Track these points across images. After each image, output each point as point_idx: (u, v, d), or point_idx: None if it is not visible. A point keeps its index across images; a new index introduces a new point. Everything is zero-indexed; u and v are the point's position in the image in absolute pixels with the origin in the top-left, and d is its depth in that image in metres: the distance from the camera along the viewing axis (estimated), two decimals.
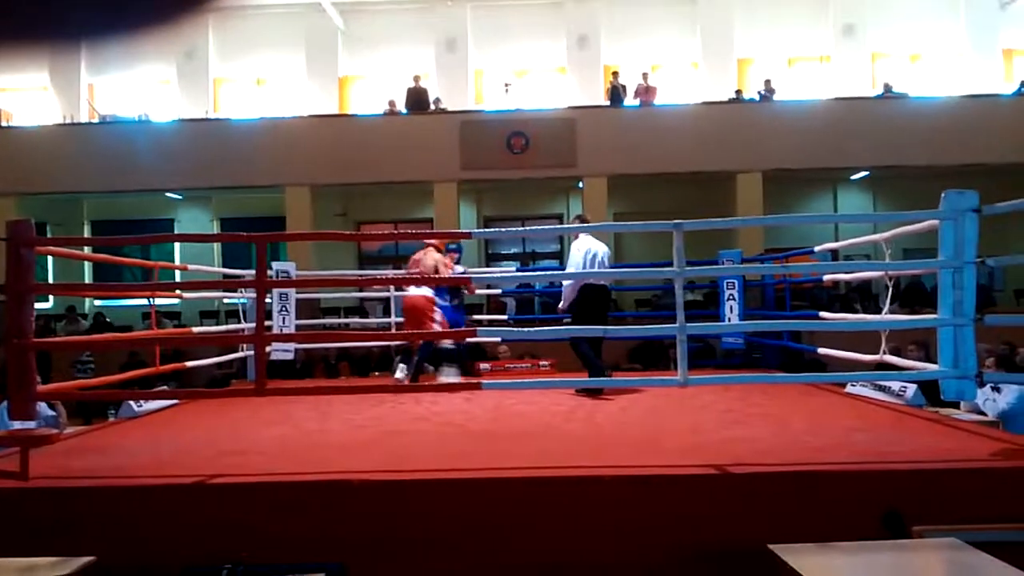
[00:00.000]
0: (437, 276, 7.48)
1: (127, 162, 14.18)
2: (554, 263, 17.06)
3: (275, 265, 8.62)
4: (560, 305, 7.06)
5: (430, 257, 7.65)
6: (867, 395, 6.13)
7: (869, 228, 11.95)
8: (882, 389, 5.98)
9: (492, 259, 16.97)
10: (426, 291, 7.57)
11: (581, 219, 7.32)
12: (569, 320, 7.02)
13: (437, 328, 7.45)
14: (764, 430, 4.92)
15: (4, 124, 15.38)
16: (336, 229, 14.79)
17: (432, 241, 7.86)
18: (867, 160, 14.28)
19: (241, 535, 3.55)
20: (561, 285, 11.14)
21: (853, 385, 6.34)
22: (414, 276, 7.65)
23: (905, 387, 5.78)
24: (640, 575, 3.56)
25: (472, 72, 16.85)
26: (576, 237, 7.10)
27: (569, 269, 6.78)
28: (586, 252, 6.84)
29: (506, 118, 14.40)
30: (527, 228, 6.45)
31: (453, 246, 8.14)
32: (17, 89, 17.14)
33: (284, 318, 8.26)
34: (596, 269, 6.82)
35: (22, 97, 17.07)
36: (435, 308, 7.59)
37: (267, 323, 7.68)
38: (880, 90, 15.20)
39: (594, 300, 6.79)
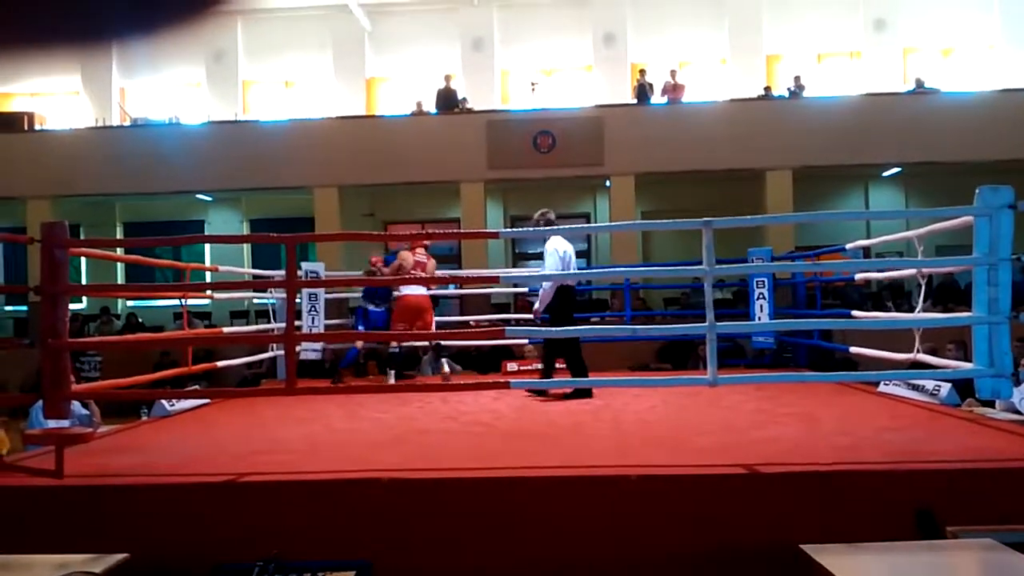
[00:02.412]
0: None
1: (158, 164, 14.33)
2: (581, 262, 17.01)
3: (304, 265, 8.69)
4: (536, 307, 6.79)
5: (431, 262, 7.85)
6: (900, 394, 6.05)
7: (901, 225, 11.77)
8: (916, 388, 5.90)
9: (519, 259, 16.96)
10: (425, 291, 7.81)
11: (546, 218, 6.90)
12: (547, 321, 6.91)
13: (434, 327, 7.67)
14: (795, 429, 4.87)
15: (38, 128, 15.61)
16: (364, 229, 14.86)
17: (424, 242, 7.97)
18: (899, 156, 14.08)
19: (272, 533, 3.58)
20: (589, 284, 11.11)
21: (886, 384, 6.27)
22: (444, 276, 7.74)
23: (939, 386, 5.70)
24: (669, 575, 3.55)
25: (498, 72, 16.84)
26: (547, 238, 6.84)
27: (550, 271, 6.61)
28: (564, 254, 6.68)
29: (533, 117, 14.37)
30: (554, 227, 6.38)
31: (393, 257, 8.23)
32: (50, 93, 17.40)
33: (314, 318, 8.32)
34: (572, 270, 6.88)
35: (55, 101, 17.32)
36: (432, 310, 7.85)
37: (297, 323, 7.75)
38: (912, 85, 14.98)
39: (572, 300, 6.83)
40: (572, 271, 6.73)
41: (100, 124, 16.01)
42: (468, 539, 3.60)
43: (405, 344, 8.51)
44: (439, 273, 8.01)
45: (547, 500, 3.65)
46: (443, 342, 8.31)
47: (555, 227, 6.48)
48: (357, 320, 8.45)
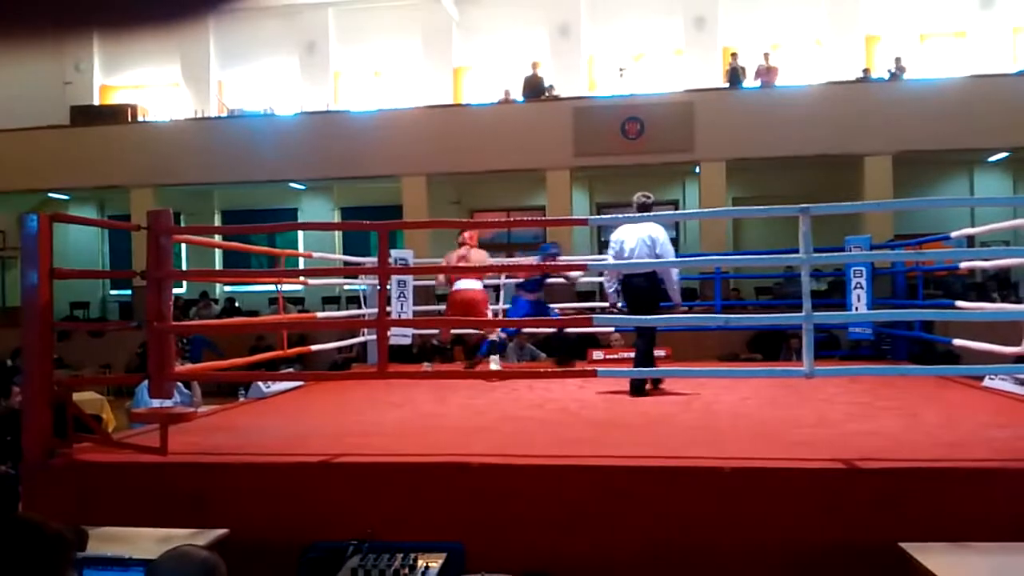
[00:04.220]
0: (552, 263, 7.49)
1: (254, 154, 14.77)
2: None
3: (393, 253, 8.81)
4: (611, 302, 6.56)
5: (476, 253, 7.51)
6: (1007, 390, 5.77)
7: (1009, 213, 11.23)
8: None
9: (605, 246, 16.84)
10: (479, 284, 7.51)
11: (638, 202, 6.47)
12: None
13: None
14: (894, 424, 4.72)
15: (140, 119, 16.25)
16: (450, 217, 15.01)
17: (464, 236, 7.59)
18: (1006, 140, 13.42)
19: (364, 513, 3.66)
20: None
21: (991, 379, 5.98)
22: (523, 264, 7.67)
23: None
24: (761, 569, 3.48)
25: (585, 57, 16.71)
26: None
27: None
28: (617, 243, 6.36)
29: (620, 103, 14.23)
30: (641, 215, 6.29)
31: (554, 250, 8.01)
32: (152, 85, 18.08)
33: (402, 304, 8.44)
34: (630, 259, 6.26)
35: (157, 93, 17.97)
36: (487, 302, 7.61)
37: (387, 309, 7.86)
38: (1021, 66, 14.23)
39: (633, 293, 6.28)
40: (631, 261, 6.23)
41: (199, 115, 16.56)
42: (556, 524, 3.61)
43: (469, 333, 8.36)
44: (513, 261, 7.89)
45: (636, 489, 3.63)
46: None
47: (635, 215, 6.24)
48: (512, 308, 8.26)
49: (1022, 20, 15.57)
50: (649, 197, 6.54)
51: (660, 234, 6.29)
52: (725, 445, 4.18)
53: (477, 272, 7.46)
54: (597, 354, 8.61)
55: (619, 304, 6.48)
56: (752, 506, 3.52)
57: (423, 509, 3.69)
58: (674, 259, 6.45)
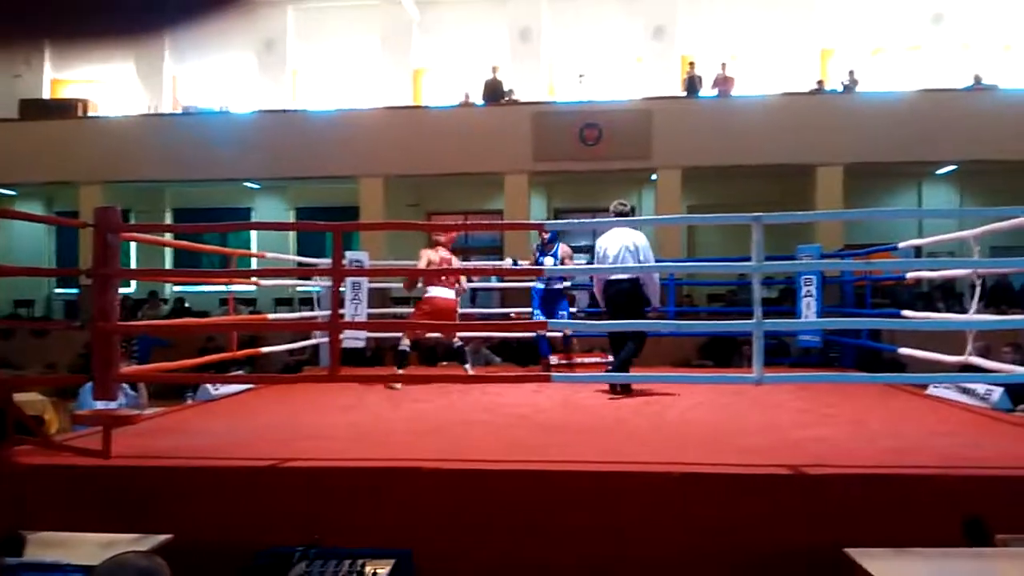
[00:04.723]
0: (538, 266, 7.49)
1: (208, 152, 14.55)
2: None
3: (348, 254, 8.72)
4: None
5: (454, 258, 7.50)
6: (950, 397, 5.91)
7: (955, 225, 11.49)
8: (966, 392, 5.75)
9: None
10: (452, 293, 7.41)
11: (615, 210, 6.61)
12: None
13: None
14: (841, 431, 4.79)
15: (91, 114, 15.90)
16: (407, 219, 14.92)
17: (441, 238, 7.46)
18: (954, 154, 13.74)
19: (313, 518, 3.61)
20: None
21: (935, 387, 6.12)
22: (487, 268, 7.64)
23: (991, 390, 5.55)
24: (709, 574, 3.51)
25: (546, 63, 16.75)
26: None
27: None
28: (600, 251, 6.55)
29: (579, 109, 14.29)
30: (599, 220, 6.30)
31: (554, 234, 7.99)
32: (104, 81, 17.68)
33: (356, 306, 8.36)
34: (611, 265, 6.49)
35: (109, 88, 17.58)
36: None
37: (339, 311, 7.78)
38: (970, 81, 14.58)
39: (608, 297, 6.50)
40: (610, 266, 6.45)
41: (152, 111, 16.27)
42: (508, 530, 3.60)
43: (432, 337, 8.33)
44: (480, 265, 7.88)
45: (589, 494, 3.63)
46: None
47: (596, 221, 6.36)
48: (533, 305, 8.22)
49: (972, 36, 15.95)
50: (625, 205, 6.71)
51: (642, 241, 6.47)
52: (675, 450, 4.21)
53: (448, 280, 7.34)
54: (552, 358, 8.60)
55: (585, 308, 6.59)
56: (699, 511, 3.55)
57: (373, 515, 3.66)
58: (655, 265, 6.61)
